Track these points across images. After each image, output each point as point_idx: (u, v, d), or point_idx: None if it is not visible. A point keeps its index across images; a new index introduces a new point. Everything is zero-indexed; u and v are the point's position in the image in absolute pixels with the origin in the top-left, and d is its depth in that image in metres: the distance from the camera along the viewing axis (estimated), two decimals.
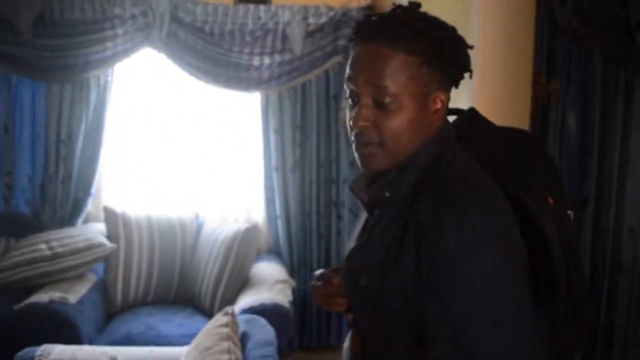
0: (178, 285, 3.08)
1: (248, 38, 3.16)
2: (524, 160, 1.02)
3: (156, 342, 2.51)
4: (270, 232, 3.40)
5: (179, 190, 3.38)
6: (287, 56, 3.19)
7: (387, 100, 0.93)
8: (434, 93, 0.95)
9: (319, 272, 1.20)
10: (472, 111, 1.09)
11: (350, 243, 1.14)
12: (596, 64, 2.29)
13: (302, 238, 3.39)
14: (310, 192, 3.38)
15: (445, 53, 0.94)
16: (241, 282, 2.89)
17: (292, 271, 3.29)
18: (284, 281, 2.93)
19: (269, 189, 3.37)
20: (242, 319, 1.95)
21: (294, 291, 3.00)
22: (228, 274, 2.86)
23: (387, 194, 0.98)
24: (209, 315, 2.84)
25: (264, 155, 3.34)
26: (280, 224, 3.34)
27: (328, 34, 3.22)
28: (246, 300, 2.70)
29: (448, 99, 0.99)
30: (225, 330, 1.76)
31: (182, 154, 3.36)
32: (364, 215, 1.12)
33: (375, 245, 0.98)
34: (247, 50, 3.16)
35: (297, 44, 3.17)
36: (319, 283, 1.16)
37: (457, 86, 1.01)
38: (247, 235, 2.91)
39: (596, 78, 2.31)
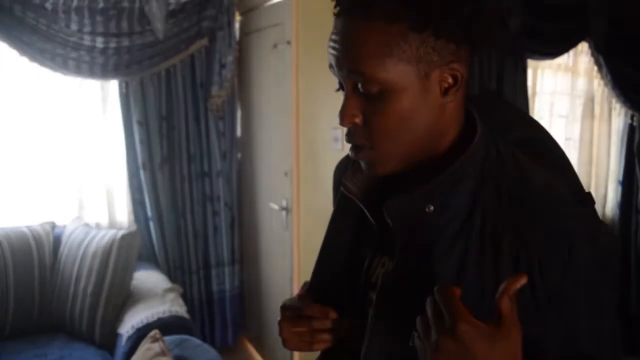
0: (40, 310, 2.59)
1: (100, 17, 2.75)
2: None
3: None
4: (141, 236, 3.04)
5: (27, 198, 2.85)
6: (149, 38, 2.85)
7: (373, 88, 0.73)
8: (438, 67, 0.73)
9: (286, 302, 0.92)
10: (492, 94, 0.96)
11: (330, 255, 0.94)
12: None
13: (176, 239, 3.11)
14: (182, 188, 3.10)
15: (433, 8, 0.70)
16: (123, 297, 2.54)
17: (169, 277, 2.99)
18: (172, 289, 2.65)
19: (135, 189, 3.01)
20: (169, 341, 1.69)
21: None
22: (107, 290, 2.49)
23: (432, 208, 0.76)
24: (89, 339, 2.47)
25: (127, 151, 2.97)
26: (152, 226, 3.01)
27: (191, 14, 2.94)
28: (137, 316, 2.38)
29: (465, 71, 0.74)
30: (164, 359, 1.51)
31: (27, 154, 2.83)
32: (351, 215, 0.90)
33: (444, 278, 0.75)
34: (100, 30, 2.75)
35: (158, 26, 2.85)
36: (287, 316, 0.90)
37: (477, 52, 0.78)
38: (125, 243, 2.55)
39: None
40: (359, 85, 0.74)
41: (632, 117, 3.28)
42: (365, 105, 0.75)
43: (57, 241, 2.72)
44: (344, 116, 0.76)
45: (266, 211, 3.02)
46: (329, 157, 2.38)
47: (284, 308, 0.90)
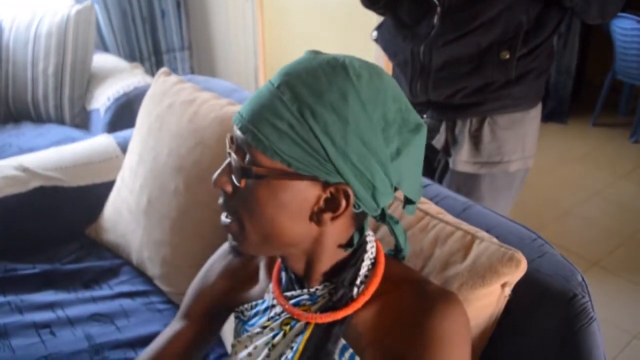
0: None
1: None
2: None
3: None
4: None
5: None
6: None
7: None
8: None
9: None
10: None
11: None
12: None
13: (124, 24, 2.97)
14: None
15: None
16: (87, 76, 2.48)
17: None
18: (136, 66, 2.61)
19: None
20: None
21: None
22: (70, 68, 2.41)
23: None
24: (59, 121, 2.44)
25: None
26: (98, 9, 2.84)
27: None
28: (109, 90, 2.35)
29: None
30: (187, 84, 1.55)
31: None
32: None
33: None
34: None
35: None
36: None
37: None
38: (82, 18, 2.41)
39: None
40: None
41: None
42: None
43: None
44: None
45: None
46: None
47: None
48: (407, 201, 0.71)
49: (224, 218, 0.70)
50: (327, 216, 0.66)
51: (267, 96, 0.64)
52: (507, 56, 1.20)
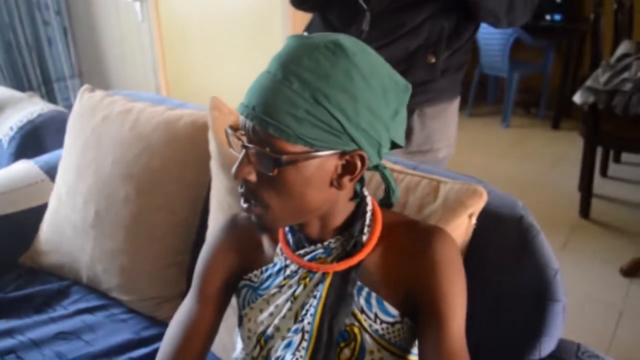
0: None
1: None
2: None
3: None
4: None
5: None
6: None
7: None
8: None
9: None
10: None
11: None
12: None
13: (9, 55, 2.84)
14: None
15: None
16: None
17: None
18: (32, 95, 2.50)
19: None
20: None
21: None
22: None
23: None
24: None
25: None
26: None
27: None
28: (9, 121, 2.24)
29: None
30: (116, 97, 1.56)
31: None
32: None
33: None
34: None
35: None
36: None
37: None
38: None
39: None
40: None
41: None
42: None
43: None
44: None
45: (110, 12, 2.89)
46: None
47: None
48: (395, 146, 0.81)
49: (245, 204, 0.76)
50: (346, 179, 0.75)
51: (274, 88, 0.68)
52: (433, 60, 1.32)
